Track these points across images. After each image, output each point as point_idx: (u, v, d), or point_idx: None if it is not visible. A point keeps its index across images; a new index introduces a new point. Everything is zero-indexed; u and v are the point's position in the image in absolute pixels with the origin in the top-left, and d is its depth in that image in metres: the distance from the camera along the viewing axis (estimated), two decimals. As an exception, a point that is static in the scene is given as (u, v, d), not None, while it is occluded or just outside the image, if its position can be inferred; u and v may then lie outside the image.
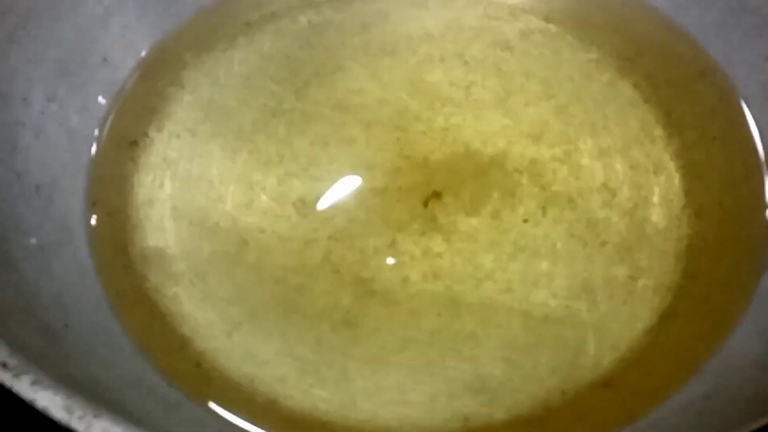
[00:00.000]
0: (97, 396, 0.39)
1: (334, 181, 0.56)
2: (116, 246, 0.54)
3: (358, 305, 0.51)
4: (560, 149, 0.57)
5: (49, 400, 0.37)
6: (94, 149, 0.57)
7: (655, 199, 0.54)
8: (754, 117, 0.58)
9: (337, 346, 0.50)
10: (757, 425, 0.41)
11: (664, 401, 0.48)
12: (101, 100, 0.59)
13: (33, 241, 0.50)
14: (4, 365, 0.38)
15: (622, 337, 0.50)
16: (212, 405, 0.49)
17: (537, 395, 0.49)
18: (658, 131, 0.58)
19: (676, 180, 0.56)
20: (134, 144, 0.58)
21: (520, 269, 0.52)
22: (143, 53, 0.61)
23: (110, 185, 0.56)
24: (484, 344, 0.50)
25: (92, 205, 0.55)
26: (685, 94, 0.59)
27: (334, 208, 0.54)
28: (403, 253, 0.53)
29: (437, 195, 0.55)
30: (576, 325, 0.51)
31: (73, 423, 0.37)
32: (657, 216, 0.54)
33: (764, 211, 0.55)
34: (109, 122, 0.58)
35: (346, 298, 0.52)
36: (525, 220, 0.54)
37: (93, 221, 0.55)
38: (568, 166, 0.56)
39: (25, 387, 0.38)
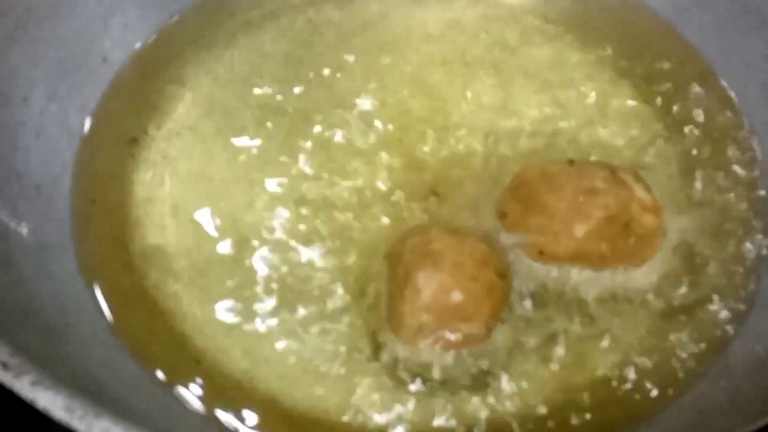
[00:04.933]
0: (97, 396, 0.39)
1: (335, 180, 0.55)
2: (116, 244, 0.54)
3: (357, 304, 0.51)
4: (560, 149, 0.57)
5: (49, 400, 0.37)
6: (94, 147, 0.57)
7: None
8: (753, 117, 0.58)
9: (338, 345, 0.50)
10: (757, 425, 0.41)
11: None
12: (101, 98, 0.59)
13: (33, 240, 0.51)
14: (5, 365, 0.38)
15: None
16: (212, 403, 0.49)
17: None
18: (658, 130, 0.58)
19: (676, 178, 0.56)
20: (134, 141, 0.58)
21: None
22: (143, 52, 0.61)
23: (110, 183, 0.56)
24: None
25: (92, 203, 0.55)
26: (684, 94, 0.59)
27: (335, 207, 0.54)
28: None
29: (437, 194, 0.55)
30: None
31: (74, 423, 0.37)
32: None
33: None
34: (109, 120, 0.58)
35: (346, 296, 0.52)
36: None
37: (93, 219, 0.55)
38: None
39: (25, 387, 0.38)
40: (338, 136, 0.57)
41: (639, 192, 0.51)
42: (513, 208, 0.52)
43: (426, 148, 0.57)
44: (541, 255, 0.51)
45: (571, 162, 0.53)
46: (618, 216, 0.50)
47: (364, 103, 0.59)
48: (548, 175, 0.52)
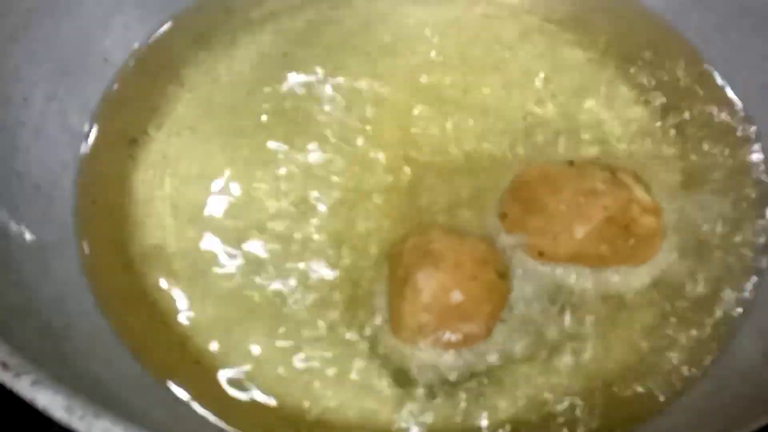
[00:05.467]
0: (97, 396, 0.39)
1: (335, 180, 0.55)
2: (116, 244, 0.54)
3: (358, 305, 0.51)
4: (561, 149, 0.57)
5: (49, 400, 0.37)
6: (94, 147, 0.57)
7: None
8: (753, 117, 0.58)
9: (338, 345, 0.50)
10: (757, 425, 0.41)
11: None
12: (101, 98, 0.59)
13: (33, 240, 0.51)
14: (5, 365, 0.38)
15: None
16: (212, 403, 0.49)
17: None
18: (658, 130, 0.58)
19: (677, 179, 0.56)
20: (134, 142, 0.57)
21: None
22: (143, 52, 0.61)
23: (110, 183, 0.56)
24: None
25: (92, 203, 0.55)
26: (685, 94, 0.60)
27: (335, 207, 0.54)
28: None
29: (438, 194, 0.54)
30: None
31: (74, 423, 0.37)
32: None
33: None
34: (108, 121, 0.58)
35: (348, 297, 0.51)
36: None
37: (93, 219, 0.55)
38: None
39: (25, 387, 0.38)
40: (338, 137, 0.57)
41: (639, 193, 0.51)
42: (513, 209, 0.52)
43: (426, 148, 0.57)
44: (541, 256, 0.51)
45: (571, 163, 0.53)
46: (618, 217, 0.50)
47: (364, 103, 0.59)
48: (548, 176, 0.52)
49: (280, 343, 0.50)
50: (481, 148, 0.57)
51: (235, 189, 0.55)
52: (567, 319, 0.51)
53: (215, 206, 0.55)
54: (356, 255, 0.53)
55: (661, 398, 0.49)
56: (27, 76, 0.54)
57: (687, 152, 0.57)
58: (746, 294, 0.52)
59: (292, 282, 0.52)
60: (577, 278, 0.51)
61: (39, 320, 0.47)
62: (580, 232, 0.50)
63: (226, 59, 0.61)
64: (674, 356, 0.50)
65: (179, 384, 0.49)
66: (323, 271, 0.52)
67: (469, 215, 0.53)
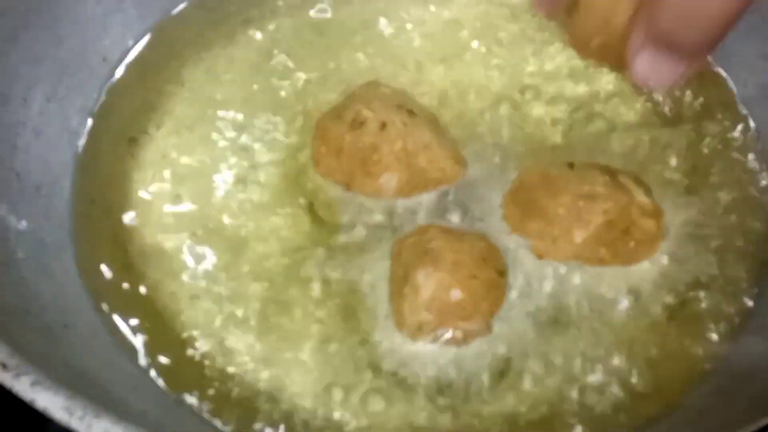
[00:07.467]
0: (96, 396, 0.39)
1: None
2: (116, 244, 0.54)
3: (360, 305, 0.51)
4: (563, 148, 0.57)
5: (49, 401, 0.37)
6: (93, 147, 0.57)
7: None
8: (753, 117, 0.58)
9: (338, 345, 0.50)
10: (757, 425, 0.41)
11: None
12: (101, 98, 0.59)
13: (33, 240, 0.51)
14: (4, 366, 0.38)
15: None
16: (211, 403, 0.49)
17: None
18: (659, 131, 0.58)
19: (677, 179, 0.56)
20: (134, 141, 0.57)
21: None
22: (142, 51, 0.61)
23: (109, 182, 0.56)
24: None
25: (92, 203, 0.55)
26: (684, 94, 0.59)
27: (336, 209, 0.54)
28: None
29: (445, 195, 0.54)
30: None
31: (74, 423, 0.37)
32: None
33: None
34: (108, 120, 0.58)
35: (349, 298, 0.51)
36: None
37: (93, 219, 0.55)
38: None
39: (25, 387, 0.38)
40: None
41: (639, 196, 0.51)
42: (513, 212, 0.52)
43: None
44: (541, 258, 0.51)
45: (571, 165, 0.53)
46: (618, 221, 0.50)
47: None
48: (548, 179, 0.52)
49: (281, 345, 0.50)
50: (482, 146, 0.56)
51: (236, 188, 0.55)
52: (567, 317, 0.51)
53: (215, 205, 0.55)
54: (360, 258, 0.52)
55: (662, 398, 0.49)
56: (27, 76, 0.54)
57: (687, 152, 0.57)
58: (747, 294, 0.52)
59: (294, 282, 0.52)
60: (576, 277, 0.51)
61: (38, 320, 0.47)
62: (579, 236, 0.50)
63: (225, 58, 0.61)
64: (674, 356, 0.50)
65: (179, 384, 0.49)
66: (324, 274, 0.52)
67: (473, 214, 0.53)
